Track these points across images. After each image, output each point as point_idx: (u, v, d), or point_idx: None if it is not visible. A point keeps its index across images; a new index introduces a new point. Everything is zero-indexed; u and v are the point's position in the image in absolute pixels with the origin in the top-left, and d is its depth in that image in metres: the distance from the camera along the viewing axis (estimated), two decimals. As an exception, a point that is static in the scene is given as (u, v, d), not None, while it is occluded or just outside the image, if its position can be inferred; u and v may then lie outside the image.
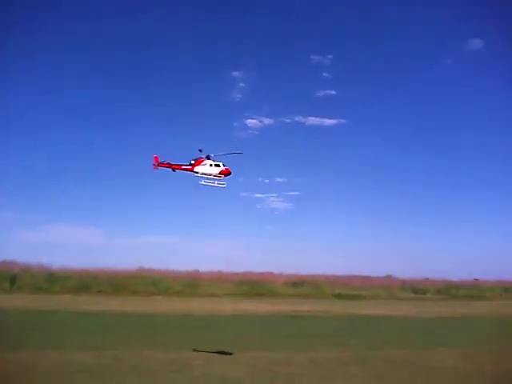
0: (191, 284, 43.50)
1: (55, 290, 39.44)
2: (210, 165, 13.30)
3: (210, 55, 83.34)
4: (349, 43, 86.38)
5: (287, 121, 78.01)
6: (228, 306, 29.13)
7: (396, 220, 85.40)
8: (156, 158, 13.07)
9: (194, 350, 12.86)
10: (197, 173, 13.13)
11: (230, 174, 13.40)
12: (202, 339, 15.28)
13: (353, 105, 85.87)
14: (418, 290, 49.64)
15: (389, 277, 52.20)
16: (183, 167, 13.23)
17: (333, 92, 76.39)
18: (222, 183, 13.24)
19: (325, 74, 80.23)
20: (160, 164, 13.11)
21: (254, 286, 44.37)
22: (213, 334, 17.09)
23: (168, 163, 13.16)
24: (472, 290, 51.30)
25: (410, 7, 76.92)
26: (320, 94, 79.81)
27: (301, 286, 46.40)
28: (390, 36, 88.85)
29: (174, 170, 13.25)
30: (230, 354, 12.55)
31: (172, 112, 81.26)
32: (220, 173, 13.26)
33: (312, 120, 76.86)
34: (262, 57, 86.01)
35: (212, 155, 13.26)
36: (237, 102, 76.33)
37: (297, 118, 78.28)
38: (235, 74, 76.82)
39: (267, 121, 73.75)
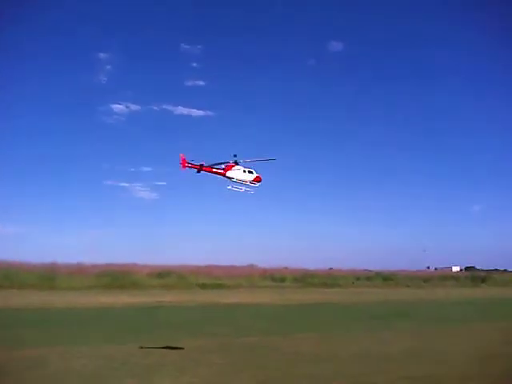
0: (48, 276, 41.00)
1: None
2: (244, 171, 13.25)
3: (75, 34, 79.11)
4: (219, 35, 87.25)
5: (155, 108, 76.74)
6: (87, 299, 27.99)
7: (257, 212, 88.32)
8: (183, 157, 12.72)
9: (51, 345, 12.20)
10: (229, 178, 13.02)
11: (261, 181, 13.41)
12: (59, 334, 14.60)
13: (221, 97, 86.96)
14: (276, 278, 51.75)
15: (251, 266, 53.93)
16: (214, 170, 13.00)
17: (201, 83, 76.63)
18: (249, 189, 13.20)
19: (194, 64, 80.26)
20: (189, 164, 12.82)
21: (116, 277, 43.02)
22: (70, 327, 16.30)
23: (200, 165, 12.82)
24: (327, 279, 54.70)
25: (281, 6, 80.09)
26: (189, 83, 79.71)
27: (165, 277, 45.99)
28: (257, 33, 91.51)
29: (198, 172, 12.95)
30: (88, 347, 12.13)
31: (35, 92, 76.02)
32: (254, 180, 13.32)
33: (181, 110, 76.45)
34: (131, 41, 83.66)
35: (241, 161, 13.09)
36: (102, 86, 73.09)
37: (165, 106, 77.25)
38: (101, 55, 73.30)
39: (134, 107, 71.76)
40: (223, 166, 13.03)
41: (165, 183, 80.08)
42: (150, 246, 65.06)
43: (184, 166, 12.70)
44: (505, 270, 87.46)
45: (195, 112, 75.85)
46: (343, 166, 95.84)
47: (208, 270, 49.02)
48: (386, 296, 37.22)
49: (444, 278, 65.55)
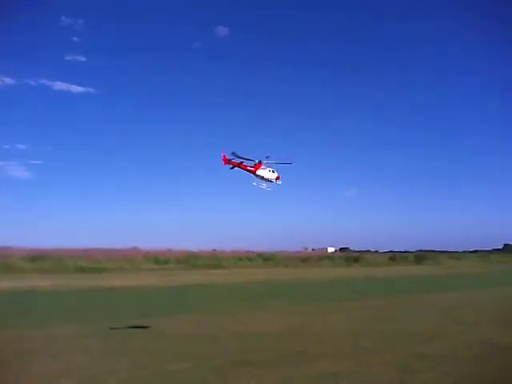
0: None
1: None
2: (269, 170, 15.16)
3: None
4: (101, 10, 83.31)
5: (31, 83, 71.78)
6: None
7: (139, 195, 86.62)
8: (224, 155, 14.50)
9: None
10: (258, 176, 14.92)
11: (279, 179, 15.35)
12: None
13: (103, 74, 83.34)
14: (160, 260, 51.20)
15: (134, 248, 52.79)
16: (248, 168, 14.84)
17: (82, 58, 72.85)
18: (268, 187, 15.21)
19: (75, 39, 75.97)
20: (229, 161, 14.59)
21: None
22: None
23: (238, 163, 14.64)
24: (210, 260, 55.14)
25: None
26: (69, 58, 75.40)
27: (41, 260, 43.57)
28: (140, 13, 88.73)
29: (232, 168, 14.77)
30: None
31: None
32: (276, 178, 15.30)
33: (60, 85, 72.11)
34: (6, 8, 77.14)
35: (265, 161, 14.96)
36: None
37: (42, 81, 72.44)
38: None
39: (9, 80, 66.62)
40: (253, 164, 14.88)
41: (41, 162, 75.54)
42: (26, 228, 61.27)
43: (225, 163, 14.54)
44: (376, 251, 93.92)
45: (75, 88, 72.07)
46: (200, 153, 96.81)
47: (87, 253, 47.23)
48: (267, 276, 38.37)
49: (320, 258, 68.79)
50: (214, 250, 62.58)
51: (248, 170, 14.86)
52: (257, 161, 14.88)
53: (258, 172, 14.90)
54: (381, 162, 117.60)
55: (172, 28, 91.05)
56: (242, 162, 14.79)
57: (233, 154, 14.62)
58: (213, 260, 55.45)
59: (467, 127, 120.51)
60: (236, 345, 10.23)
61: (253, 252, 63.66)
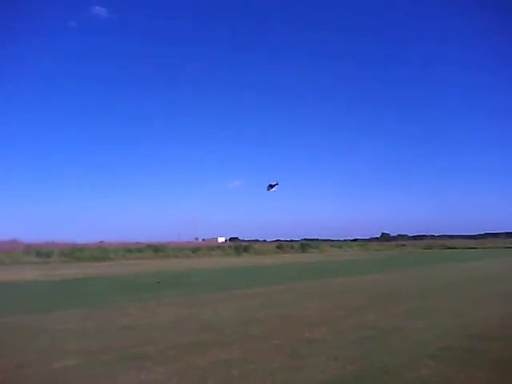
0: None
1: None
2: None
3: None
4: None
5: None
6: None
7: (17, 183, 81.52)
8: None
9: None
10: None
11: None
12: None
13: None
14: (42, 253, 48.65)
15: (13, 241, 49.64)
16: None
17: None
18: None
19: None
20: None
21: None
22: None
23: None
24: (97, 252, 53.36)
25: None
26: None
27: None
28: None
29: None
30: None
31: None
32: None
33: None
34: None
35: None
36: None
37: None
38: None
39: None
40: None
41: None
42: None
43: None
44: (264, 241, 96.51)
45: None
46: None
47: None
48: (157, 267, 37.95)
49: (211, 248, 69.40)
50: (101, 242, 60.68)
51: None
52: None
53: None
54: (263, 151, 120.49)
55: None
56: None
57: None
58: (100, 252, 53.74)
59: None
60: (125, 339, 9.99)
61: (142, 243, 62.63)
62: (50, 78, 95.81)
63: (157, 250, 60.52)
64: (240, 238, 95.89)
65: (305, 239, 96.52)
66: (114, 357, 8.34)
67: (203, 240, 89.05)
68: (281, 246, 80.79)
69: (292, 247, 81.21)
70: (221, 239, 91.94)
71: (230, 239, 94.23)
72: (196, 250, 65.64)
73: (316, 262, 46.69)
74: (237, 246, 73.97)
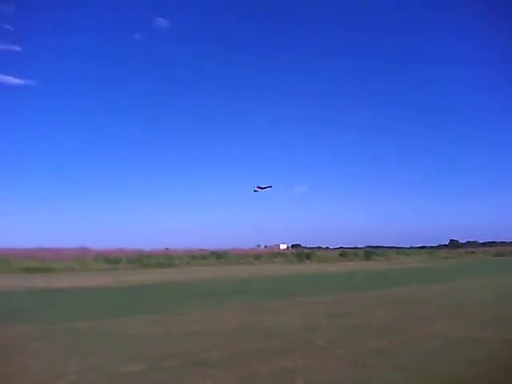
0: None
1: None
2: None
3: None
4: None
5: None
6: None
7: (87, 193, 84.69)
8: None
9: None
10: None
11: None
12: None
13: (44, 65, 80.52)
14: (111, 260, 50.21)
15: (83, 248, 51.52)
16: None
17: (17, 48, 69.98)
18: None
19: (6, 26, 72.63)
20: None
21: None
22: None
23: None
24: (163, 259, 54.54)
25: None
26: (1, 47, 72.00)
27: (-16, 262, 42.03)
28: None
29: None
30: None
31: None
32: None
33: (-6, 76, 69.03)
34: None
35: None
36: None
37: (-26, 72, 69.23)
38: None
39: None
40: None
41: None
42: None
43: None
44: (327, 248, 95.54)
45: (12, 80, 69.17)
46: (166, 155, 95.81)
47: (34, 254, 45.82)
48: (220, 274, 38.31)
49: (273, 255, 69.35)
50: (167, 249, 61.99)
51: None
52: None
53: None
54: (328, 159, 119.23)
55: (110, 18, 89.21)
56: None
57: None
58: (165, 259, 54.90)
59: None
60: (190, 344, 10.09)
61: (206, 250, 63.51)
62: (120, 92, 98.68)
63: (220, 256, 61.16)
64: (302, 244, 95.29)
65: (369, 246, 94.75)
66: (179, 363, 8.41)
67: (265, 247, 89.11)
68: (344, 253, 79.64)
69: (356, 255, 79.88)
70: (283, 246, 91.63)
71: (292, 246, 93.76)
72: (258, 256, 65.81)
73: (381, 270, 45.68)
74: (299, 252, 73.52)
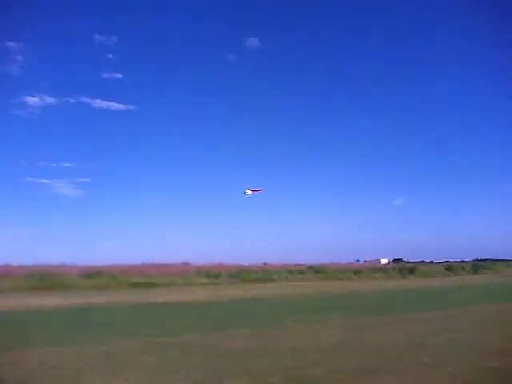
0: (-30, 279, 38.61)
1: None
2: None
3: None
4: (134, 27, 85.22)
5: (72, 101, 73.57)
6: (14, 301, 26.59)
7: (190, 209, 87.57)
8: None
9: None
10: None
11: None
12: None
13: (141, 91, 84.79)
14: (211, 275, 51.40)
15: (185, 264, 53.24)
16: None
17: (119, 75, 74.30)
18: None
19: (110, 56, 77.52)
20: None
21: (44, 278, 41.11)
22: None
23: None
24: (261, 274, 54.99)
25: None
26: (106, 75, 76.86)
27: (96, 277, 44.40)
28: (174, 26, 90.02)
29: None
30: (16, 352, 11.45)
31: None
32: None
33: (99, 103, 73.72)
34: (42, 29, 79.73)
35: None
36: (14, 77, 69.15)
37: (82, 99, 74.25)
38: (11, 45, 69.37)
39: (49, 99, 68.44)
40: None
41: (88, 180, 77.23)
42: (79, 246, 62.77)
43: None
44: (431, 262, 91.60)
45: (115, 105, 73.22)
46: (269, 164, 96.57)
47: (140, 269, 47.99)
48: (319, 289, 37.93)
49: (373, 270, 67.55)
50: (265, 264, 62.48)
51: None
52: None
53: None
54: (430, 168, 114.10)
55: (205, 42, 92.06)
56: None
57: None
58: (263, 273, 55.29)
59: None
60: (291, 360, 10.05)
61: (303, 265, 63.23)
62: (219, 116, 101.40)
63: (318, 271, 60.61)
64: (404, 259, 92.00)
65: (477, 260, 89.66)
66: (282, 378, 8.40)
67: (365, 262, 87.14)
68: (450, 267, 75.85)
69: (463, 268, 75.88)
70: (383, 261, 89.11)
71: (394, 260, 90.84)
72: (358, 271, 64.42)
73: (490, 284, 43.03)
74: (401, 267, 71.07)
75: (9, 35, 74.65)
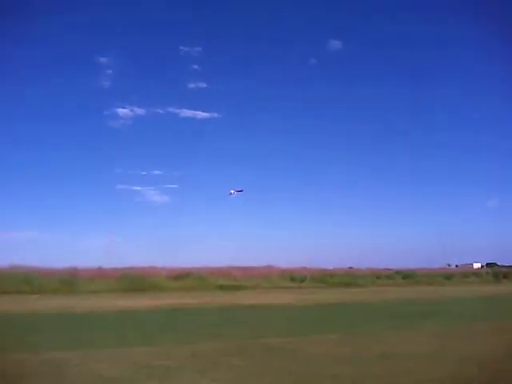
0: (69, 281, 41.02)
1: None
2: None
3: (74, 39, 78.68)
4: (217, 36, 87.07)
5: (160, 111, 76.56)
6: (107, 303, 27.96)
7: (274, 211, 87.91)
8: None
9: (71, 350, 11.95)
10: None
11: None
12: (80, 338, 14.26)
13: (225, 99, 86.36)
14: (295, 278, 51.27)
15: (269, 266, 53.43)
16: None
17: (204, 85, 76.20)
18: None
19: (195, 66, 79.89)
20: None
21: (135, 280, 42.91)
22: (91, 331, 16.08)
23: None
24: (346, 278, 54.13)
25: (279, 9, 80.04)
26: (191, 86, 79.14)
27: (184, 279, 45.72)
28: (258, 33, 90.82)
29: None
30: (108, 351, 11.94)
31: (36, 99, 76.19)
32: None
33: (186, 112, 75.98)
34: (129, 44, 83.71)
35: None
36: (105, 90, 73.22)
37: (170, 109, 77.00)
38: (102, 60, 73.43)
39: (139, 110, 71.65)
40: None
41: (176, 186, 79.72)
42: (167, 249, 64.96)
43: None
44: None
45: (200, 114, 75.13)
46: (354, 166, 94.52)
47: (227, 272, 48.81)
48: (408, 294, 36.72)
49: (465, 275, 64.66)
50: (350, 268, 61.43)
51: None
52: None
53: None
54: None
55: (287, 46, 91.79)
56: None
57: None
58: (349, 278, 54.40)
59: None
60: (381, 367, 9.73)
61: (391, 269, 61.54)
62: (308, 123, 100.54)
63: (406, 276, 58.74)
64: (498, 263, 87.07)
65: None
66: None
67: (456, 266, 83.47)
68: (550, 272, 70.93)
69: None
70: (476, 265, 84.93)
71: (487, 265, 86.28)
72: (449, 276, 61.83)
73: None
74: (495, 272, 67.38)
75: (100, 51, 78.90)
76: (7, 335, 14.95)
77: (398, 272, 60.18)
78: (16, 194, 73.47)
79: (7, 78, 71.96)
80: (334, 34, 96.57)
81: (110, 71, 75.78)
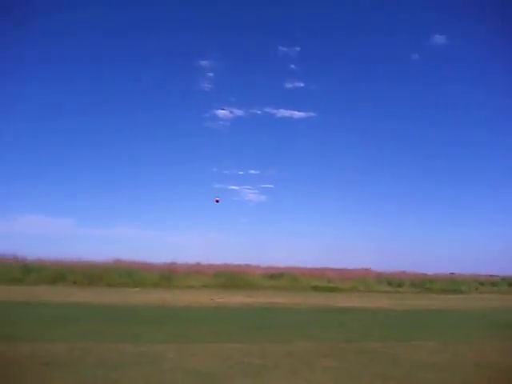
0: (167, 276, 42.84)
1: (30, 280, 38.43)
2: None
3: (176, 45, 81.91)
4: (316, 36, 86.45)
5: (258, 112, 77.41)
6: (203, 298, 28.88)
7: (372, 213, 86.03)
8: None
9: (167, 343, 12.49)
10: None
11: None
12: (176, 331, 14.85)
13: (322, 98, 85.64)
14: (393, 282, 49.96)
15: (365, 269, 52.39)
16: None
17: (301, 84, 76.14)
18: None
19: (292, 66, 79.95)
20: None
21: (231, 277, 43.94)
22: (187, 326, 16.60)
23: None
24: (447, 284, 51.92)
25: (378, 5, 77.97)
26: (289, 85, 79.31)
27: (278, 279, 46.03)
28: (356, 31, 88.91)
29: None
30: (203, 345, 12.29)
31: (139, 104, 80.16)
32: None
33: (282, 112, 76.33)
34: (229, 46, 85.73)
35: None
36: (206, 92, 75.52)
37: (267, 110, 77.76)
38: (203, 63, 75.83)
39: (238, 112, 72.97)
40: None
41: (272, 186, 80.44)
42: (262, 248, 65.76)
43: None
44: None
45: (296, 114, 75.12)
46: (456, 172, 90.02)
47: (321, 273, 48.57)
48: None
49: None
50: (452, 274, 58.81)
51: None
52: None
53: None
54: None
55: (385, 42, 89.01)
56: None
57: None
58: (450, 284, 52.11)
59: None
60: (477, 377, 9.30)
61: (497, 276, 58.19)
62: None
63: (513, 284, 55.27)
64: None
65: None
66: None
67: None
68: None
69: None
70: None
71: None
72: None
73: None
74: None
75: (201, 55, 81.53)
76: (112, 326, 15.86)
77: (503, 279, 56.76)
78: (120, 198, 77.33)
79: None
80: (436, 29, 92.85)
81: (210, 74, 78.10)
